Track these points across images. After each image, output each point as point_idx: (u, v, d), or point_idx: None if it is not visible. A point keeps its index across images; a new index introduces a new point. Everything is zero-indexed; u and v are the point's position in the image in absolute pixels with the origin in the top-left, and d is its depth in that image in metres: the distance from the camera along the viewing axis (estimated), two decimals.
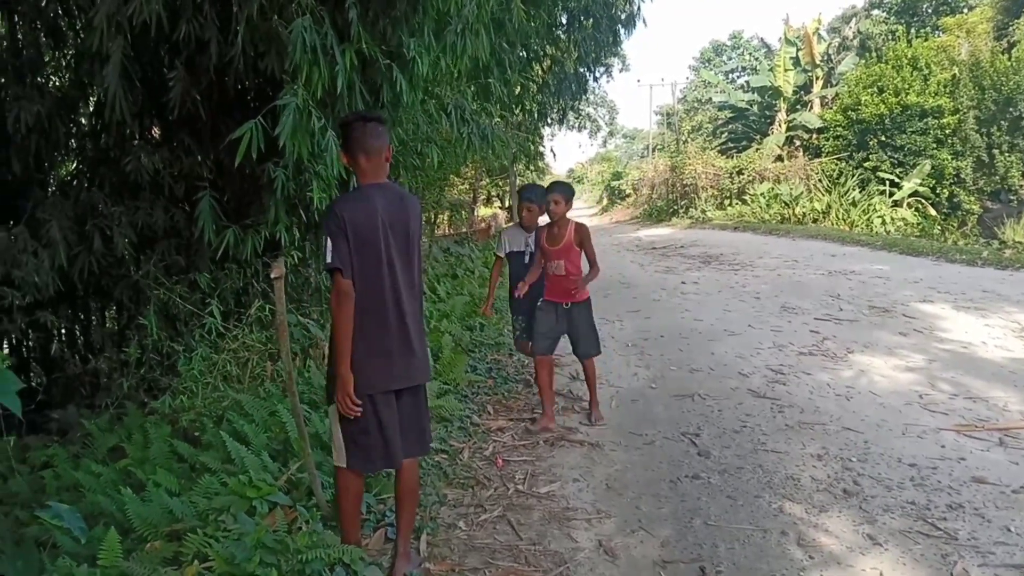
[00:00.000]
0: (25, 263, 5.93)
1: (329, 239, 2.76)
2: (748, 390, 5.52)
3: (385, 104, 6.32)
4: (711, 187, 24.43)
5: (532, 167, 35.88)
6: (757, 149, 26.03)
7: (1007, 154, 21.22)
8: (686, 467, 4.22)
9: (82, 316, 8.79)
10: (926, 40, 23.72)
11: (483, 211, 28.54)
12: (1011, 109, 20.71)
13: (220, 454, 4.63)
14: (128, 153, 6.53)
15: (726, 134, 30.57)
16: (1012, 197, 21.85)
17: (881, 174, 21.82)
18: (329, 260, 2.76)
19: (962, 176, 21.40)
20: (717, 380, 5.81)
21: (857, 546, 3.30)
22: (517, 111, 16.21)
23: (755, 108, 28.63)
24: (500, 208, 34.24)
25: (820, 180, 22.54)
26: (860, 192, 21.57)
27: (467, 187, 23.07)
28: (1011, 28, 23.38)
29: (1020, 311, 7.70)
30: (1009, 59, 21.14)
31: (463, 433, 4.81)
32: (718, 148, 28.95)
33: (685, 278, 11.13)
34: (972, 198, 21.64)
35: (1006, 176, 21.45)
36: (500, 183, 30.31)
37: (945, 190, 21.40)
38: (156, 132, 7.54)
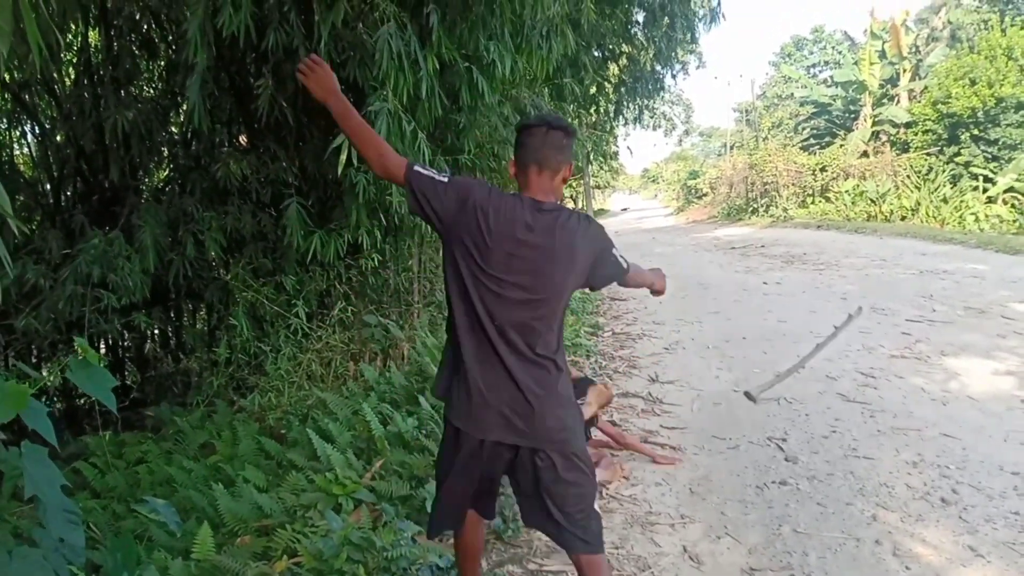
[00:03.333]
0: (120, 267, 6.22)
1: (433, 172, 2.26)
2: (837, 394, 5.34)
3: (463, 107, 6.42)
4: (792, 185, 23.77)
5: (606, 167, 35.67)
6: (841, 145, 25.21)
7: None
8: (773, 472, 4.11)
9: (174, 317, 9.18)
10: (1022, 29, 22.52)
11: None
12: None
13: (306, 451, 4.76)
14: (217, 160, 6.80)
15: (808, 130, 29.71)
16: None
17: (974, 169, 20.85)
18: (419, 169, 2.26)
19: None
20: (803, 383, 5.64)
21: (957, 558, 3.15)
22: (592, 110, 16.15)
23: (838, 103, 27.72)
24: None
25: (908, 176, 21.68)
26: (951, 188, 20.67)
27: None
28: None
29: None
30: None
31: None
32: (799, 145, 28.16)
33: (767, 278, 10.85)
34: None
35: None
36: (574, 184, 30.24)
37: None
38: (243, 139, 7.82)
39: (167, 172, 8.71)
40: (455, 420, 2.29)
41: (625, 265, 2.47)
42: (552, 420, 2.24)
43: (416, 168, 2.26)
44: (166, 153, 8.58)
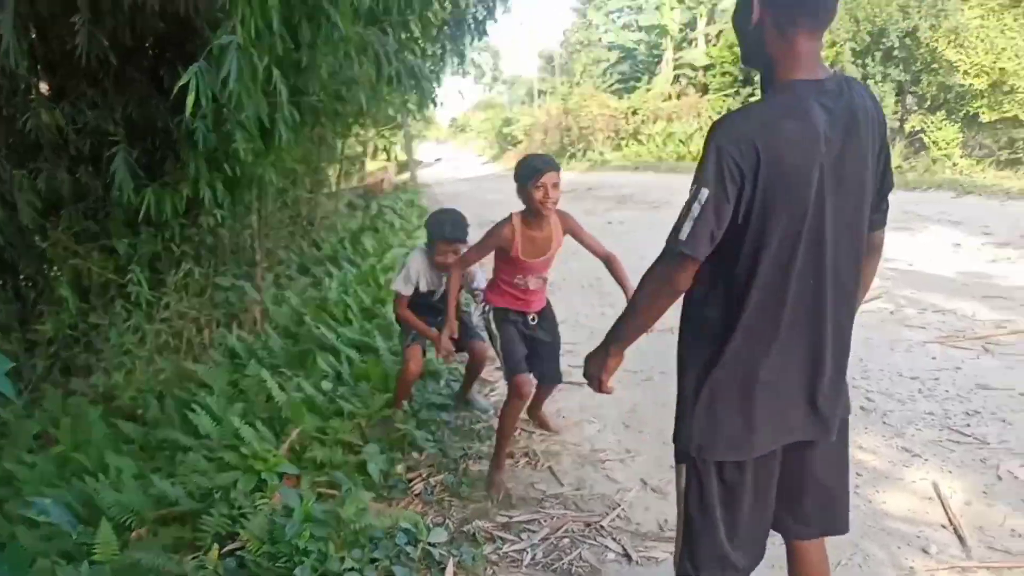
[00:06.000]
0: None
1: (697, 201, 1.56)
2: None
3: (303, 45, 5.81)
4: (607, 129, 24.55)
5: (420, 116, 34.96)
6: (648, 89, 26.32)
7: (881, 84, 22.28)
8: None
9: None
10: None
11: (371, 165, 27.70)
12: (884, 39, 21.65)
13: (186, 429, 4.22)
14: (24, 110, 5.77)
15: (616, 75, 30.72)
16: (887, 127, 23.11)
17: None
18: (683, 238, 1.58)
19: None
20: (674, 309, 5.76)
21: (897, 459, 3.31)
22: (419, 55, 15.59)
23: (643, 48, 28.85)
24: (387, 162, 33.35)
25: (711, 117, 23.06)
26: None
27: (356, 140, 22.31)
28: None
29: (946, 228, 8.10)
30: None
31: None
32: (608, 89, 29.08)
33: (609, 218, 11.11)
34: None
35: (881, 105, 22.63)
36: (387, 134, 29.42)
37: None
38: (48, 85, 6.72)
39: None
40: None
41: None
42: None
43: (684, 250, 1.60)
44: None
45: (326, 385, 4.28)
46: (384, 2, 6.38)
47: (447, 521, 3.02)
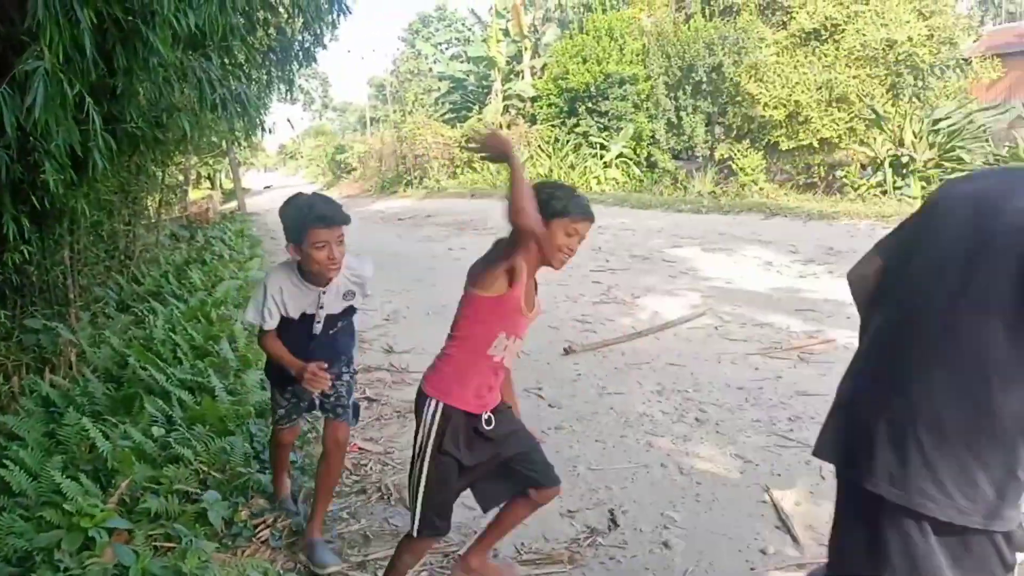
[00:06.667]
0: None
1: None
2: (566, 340, 5.67)
3: (119, 70, 5.47)
4: (442, 157, 24.77)
5: (246, 143, 33.70)
6: (479, 119, 26.83)
7: (692, 116, 23.99)
8: (546, 420, 4.22)
9: None
10: (617, 11, 25.91)
11: (194, 194, 26.34)
12: (693, 75, 23.36)
13: None
14: None
15: (447, 105, 31.10)
16: (698, 155, 24.82)
17: (592, 138, 23.59)
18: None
19: (657, 137, 23.82)
20: (532, 336, 5.88)
21: (733, 467, 3.53)
22: (244, 81, 15.09)
23: (472, 78, 29.43)
24: (212, 190, 31.85)
25: (540, 146, 23.84)
26: (576, 155, 23.19)
27: (176, 168, 21.20)
28: (687, 0, 26.26)
29: (758, 247, 8.81)
30: (688, 29, 23.79)
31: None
32: (440, 118, 29.39)
33: (450, 244, 11.19)
34: (666, 156, 24.22)
35: (692, 135, 24.28)
36: (211, 162, 28.12)
37: (644, 150, 23.70)
38: None
39: None
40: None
41: None
42: None
43: None
44: None
45: (157, 431, 3.98)
46: (206, 26, 6.13)
47: (298, 566, 2.89)
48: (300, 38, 17.68)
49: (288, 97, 19.80)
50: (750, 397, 4.35)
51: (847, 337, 5.22)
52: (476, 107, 29.06)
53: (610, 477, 3.48)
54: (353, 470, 3.70)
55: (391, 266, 9.72)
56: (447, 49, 42.92)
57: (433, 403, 2.26)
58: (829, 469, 3.33)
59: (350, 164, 34.96)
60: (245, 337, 5.63)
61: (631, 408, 4.32)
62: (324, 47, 13.04)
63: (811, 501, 3.17)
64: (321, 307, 2.84)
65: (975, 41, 23.81)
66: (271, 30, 16.78)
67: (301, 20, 16.73)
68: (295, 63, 18.35)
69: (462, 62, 30.90)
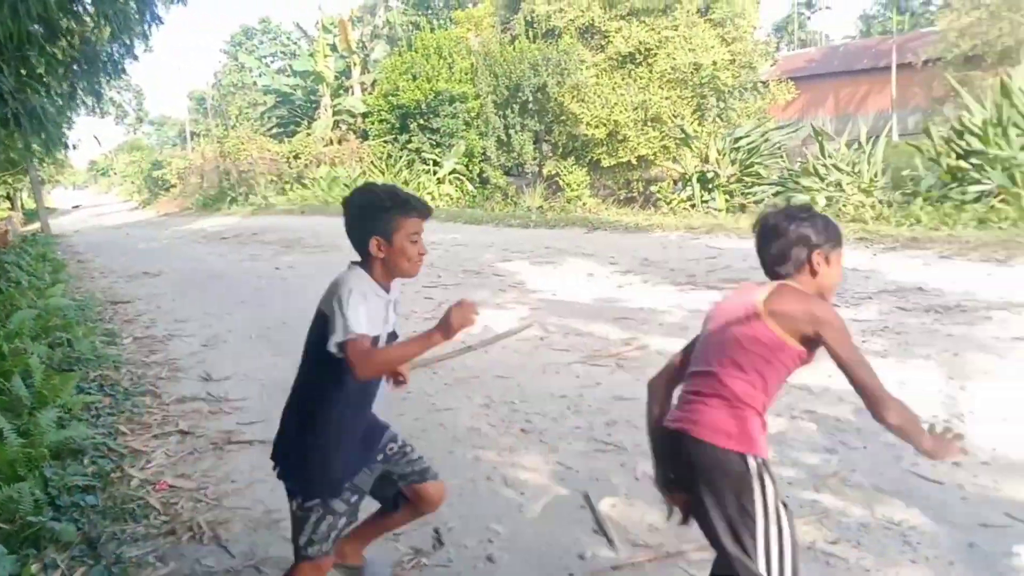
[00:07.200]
0: None
1: None
2: None
3: None
4: (269, 173, 23.98)
5: (50, 160, 31.14)
6: (308, 134, 26.25)
7: (520, 133, 24.68)
8: None
9: None
10: (445, 30, 26.24)
11: None
12: (520, 94, 24.05)
13: None
14: None
15: (274, 119, 30.19)
16: (528, 171, 25.54)
17: (424, 155, 23.71)
18: None
19: (488, 154, 24.31)
20: None
21: (555, 475, 3.66)
22: (44, 94, 13.95)
23: (300, 93, 28.77)
24: (11, 211, 29.18)
25: (372, 162, 23.66)
26: (409, 172, 23.21)
27: None
28: (512, 22, 27.00)
29: (581, 260, 9.20)
30: (514, 50, 24.48)
31: (108, 461, 4.09)
32: (266, 133, 28.48)
33: (277, 263, 10.85)
34: (498, 173, 24.75)
35: (521, 153, 24.96)
36: (10, 181, 25.71)
37: (476, 167, 24.11)
38: None
39: None
40: None
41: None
42: None
43: None
44: None
45: None
46: None
47: None
48: (108, 48, 16.64)
49: (97, 111, 18.51)
50: (572, 405, 4.53)
51: (659, 343, 5.56)
52: (305, 122, 28.41)
53: None
54: (162, 509, 3.50)
55: (212, 288, 9.31)
56: (272, 62, 41.71)
57: (754, 459, 1.91)
58: (643, 469, 3.56)
59: (168, 181, 33.05)
60: (42, 372, 5.18)
61: (460, 423, 4.38)
62: (135, 58, 12.26)
63: (625, 502, 3.35)
64: (386, 322, 2.28)
65: (772, 66, 26.16)
66: (75, 39, 15.68)
67: (108, 29, 15.76)
68: (103, 75, 17.24)
69: (288, 76, 30.10)
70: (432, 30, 25.40)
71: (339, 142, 25.54)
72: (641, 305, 6.92)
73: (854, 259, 7.95)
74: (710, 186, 15.15)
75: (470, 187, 23.58)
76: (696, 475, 1.92)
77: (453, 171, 23.39)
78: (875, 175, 12.00)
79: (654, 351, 5.41)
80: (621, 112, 20.36)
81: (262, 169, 23.97)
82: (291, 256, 11.76)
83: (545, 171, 23.68)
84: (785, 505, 1.91)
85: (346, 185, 22.45)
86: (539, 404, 4.59)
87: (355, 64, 27.29)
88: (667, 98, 20.09)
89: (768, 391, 1.93)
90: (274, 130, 29.57)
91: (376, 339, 2.17)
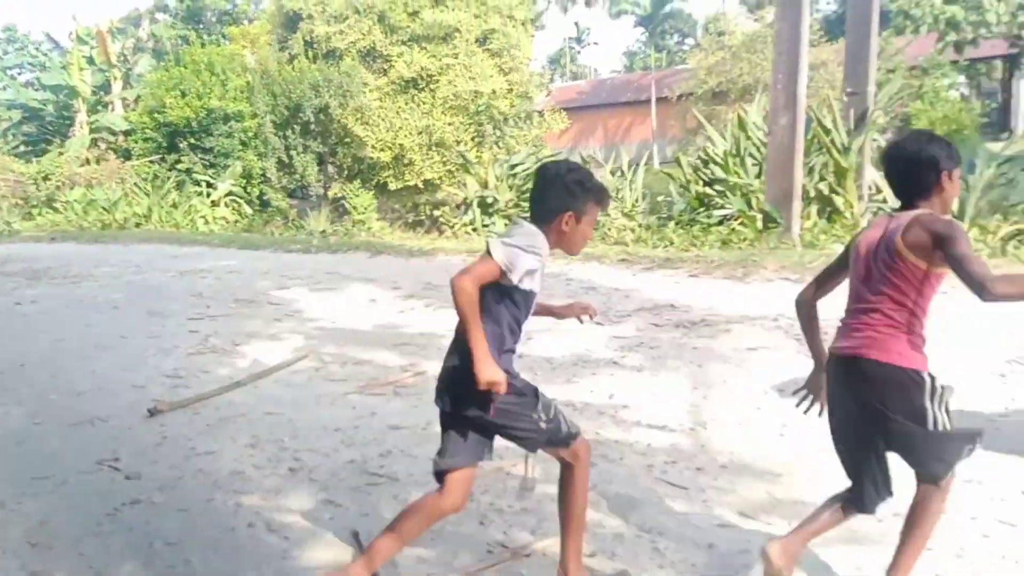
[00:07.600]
0: None
1: None
2: (152, 400, 5.18)
3: None
4: (13, 196, 21.39)
5: None
6: (61, 153, 23.77)
7: (303, 155, 23.97)
8: (119, 495, 3.78)
9: None
10: (218, 46, 24.95)
11: None
12: (301, 114, 23.39)
13: None
14: None
15: (20, 136, 27.04)
16: (312, 194, 24.84)
17: (196, 175, 22.29)
18: None
19: (268, 176, 23.34)
20: (112, 398, 5.30)
21: (321, 516, 3.49)
22: None
23: (51, 108, 26.03)
24: None
25: (136, 184, 21.88)
26: (179, 194, 21.70)
27: None
28: (290, 41, 26.23)
29: (363, 285, 9.03)
30: (293, 69, 23.77)
31: None
32: (11, 152, 25.44)
33: (18, 297, 9.62)
34: (280, 195, 23.82)
35: (304, 174, 24.23)
36: None
37: (256, 188, 23.07)
38: None
39: None
40: None
41: None
42: None
43: None
44: None
45: None
46: None
47: None
48: None
49: None
50: (345, 438, 4.38)
51: (437, 368, 5.53)
52: (58, 140, 25.73)
53: (191, 549, 3.22)
54: None
55: None
56: (19, 74, 37.59)
57: (927, 376, 2.36)
58: (410, 498, 3.49)
59: None
60: None
61: (222, 467, 4.08)
62: None
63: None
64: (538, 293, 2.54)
65: (547, 96, 27.52)
66: None
67: None
68: None
69: (36, 90, 27.20)
70: (203, 45, 24.07)
71: (97, 161, 23.35)
72: (422, 330, 6.89)
73: (618, 279, 8.47)
74: (490, 211, 15.56)
75: (248, 210, 22.49)
76: (871, 390, 2.33)
77: (229, 193, 22.19)
78: (636, 200, 12.92)
79: (431, 376, 5.36)
80: (406, 136, 20.43)
81: (5, 192, 21.33)
82: (36, 289, 10.49)
83: (331, 194, 23.18)
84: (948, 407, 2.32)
85: (105, 209, 20.55)
86: (311, 439, 4.39)
87: (116, 78, 25.19)
88: (450, 124, 20.46)
89: (924, 314, 2.35)
90: (20, 148, 26.50)
91: (532, 294, 2.48)
